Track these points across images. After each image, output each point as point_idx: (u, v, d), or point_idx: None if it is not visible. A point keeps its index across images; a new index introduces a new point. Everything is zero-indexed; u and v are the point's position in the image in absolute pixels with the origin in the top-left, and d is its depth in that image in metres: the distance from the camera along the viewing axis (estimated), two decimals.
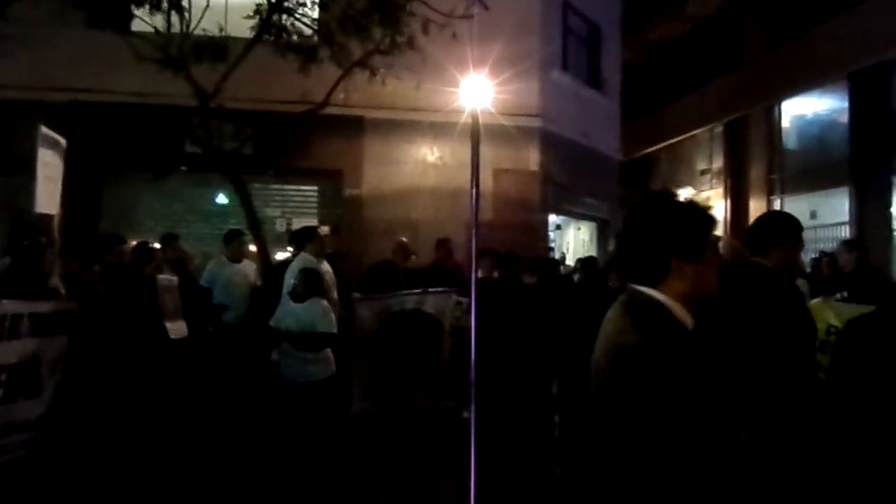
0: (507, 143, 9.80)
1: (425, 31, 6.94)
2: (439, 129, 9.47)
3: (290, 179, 10.36)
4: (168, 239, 6.75)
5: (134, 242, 6.39)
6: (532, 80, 9.83)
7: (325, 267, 5.87)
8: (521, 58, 9.36)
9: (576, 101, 10.97)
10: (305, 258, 5.70)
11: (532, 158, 10.05)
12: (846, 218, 13.39)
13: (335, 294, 5.82)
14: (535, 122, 9.94)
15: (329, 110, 8.21)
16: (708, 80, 17.07)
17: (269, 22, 7.02)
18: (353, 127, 9.80)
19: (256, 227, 7.41)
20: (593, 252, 11.98)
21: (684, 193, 17.97)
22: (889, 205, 12.78)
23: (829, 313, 5.41)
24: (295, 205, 10.45)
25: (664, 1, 16.81)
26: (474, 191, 7.87)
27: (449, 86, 8.50)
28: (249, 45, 7.05)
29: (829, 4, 13.30)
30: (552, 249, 10.07)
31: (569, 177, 10.74)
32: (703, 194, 18.05)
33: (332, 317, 4.88)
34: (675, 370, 1.39)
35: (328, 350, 4.88)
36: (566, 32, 10.83)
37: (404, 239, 7.49)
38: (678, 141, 18.87)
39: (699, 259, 1.54)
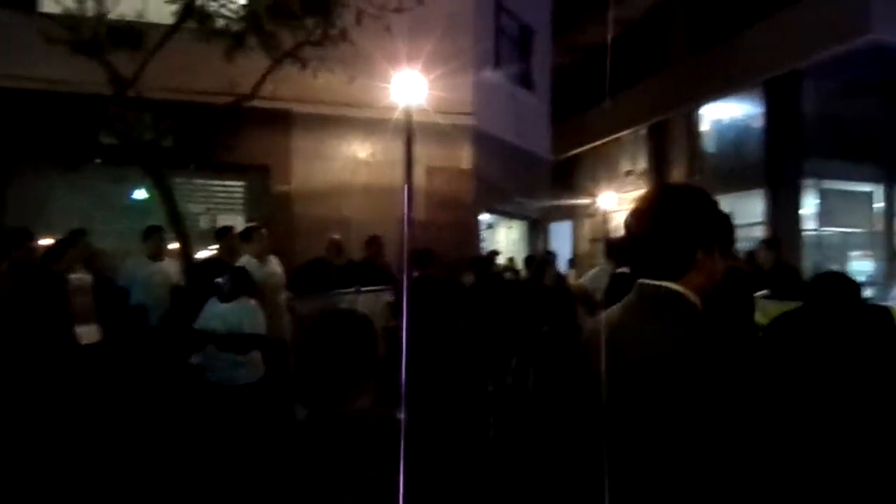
0: (439, 141, 9.74)
1: (359, 22, 6.78)
2: (371, 125, 9.31)
3: (214, 174, 9.95)
4: (76, 235, 6.28)
5: (44, 239, 5.95)
6: (465, 78, 9.81)
7: (273, 268, 5.67)
8: (453, 55, 9.34)
9: (508, 100, 11.03)
10: (246, 260, 5.55)
11: (465, 157, 10.03)
12: (761, 219, 14.05)
13: (283, 296, 5.67)
14: (468, 121, 9.92)
15: (257, 103, 7.90)
16: (633, 84, 17.55)
17: (192, 6, 6.66)
18: (282, 121, 9.50)
19: (178, 223, 7.04)
20: (524, 251, 12.09)
21: (609, 193, 18.47)
22: (799, 206, 13.48)
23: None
24: (220, 201, 10.05)
25: (591, 5, 17.19)
26: (407, 188, 7.76)
27: (382, 81, 8.40)
28: (171, 30, 6.68)
29: (746, 15, 13.90)
30: (496, 253, 10.05)
31: (501, 176, 10.79)
32: (628, 194, 18.60)
33: (261, 317, 4.67)
34: (744, 372, 1.33)
35: (257, 352, 4.66)
36: (498, 32, 10.88)
37: (337, 236, 7.31)
38: (604, 142, 19.35)
39: (715, 250, 1.48)
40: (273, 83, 7.62)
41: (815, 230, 13.57)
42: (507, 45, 11.41)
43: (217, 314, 4.55)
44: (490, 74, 10.45)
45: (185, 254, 6.90)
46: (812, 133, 13.36)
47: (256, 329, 4.56)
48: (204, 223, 9.51)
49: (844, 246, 13.99)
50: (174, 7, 6.77)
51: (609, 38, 17.27)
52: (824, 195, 13.68)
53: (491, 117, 10.31)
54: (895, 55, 11.85)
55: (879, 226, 13.78)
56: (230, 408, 4.39)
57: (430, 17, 8.80)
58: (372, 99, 8.80)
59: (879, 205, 13.85)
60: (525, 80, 11.85)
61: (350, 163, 9.87)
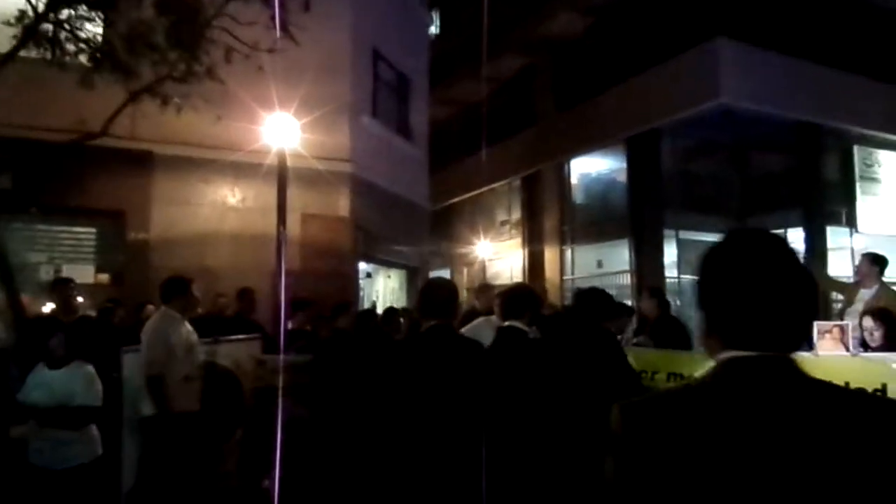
0: (315, 188, 9.38)
1: (228, 60, 6.36)
2: (242, 169, 8.79)
3: (59, 219, 8.93)
4: None
5: None
6: (342, 124, 9.59)
7: (188, 327, 5.04)
8: (331, 100, 9.10)
9: (386, 148, 10.89)
10: (167, 313, 4.87)
11: (342, 204, 9.69)
12: (627, 267, 14.73)
13: (199, 357, 5.01)
14: (346, 167, 9.64)
15: (112, 142, 7.21)
16: (506, 137, 18.12)
17: (36, 31, 5.95)
18: (141, 162, 8.74)
19: (8, 274, 6.12)
20: (403, 300, 11.82)
21: (486, 242, 18.75)
22: (662, 255, 14.27)
23: (630, 356, 5.67)
24: (66, 249, 9.01)
25: (466, 61, 17.70)
26: (280, 236, 7.29)
27: (253, 123, 7.97)
28: (6, 57, 5.92)
29: (609, 77, 14.81)
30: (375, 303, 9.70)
31: (379, 224, 10.55)
32: (504, 243, 18.99)
33: (98, 386, 3.99)
34: None
35: (92, 427, 3.97)
36: (376, 80, 10.78)
37: (195, 289, 6.65)
38: (480, 192, 19.73)
39: None
40: (131, 120, 6.99)
41: (676, 277, 14.39)
42: (386, 93, 11.34)
43: (41, 383, 3.82)
44: (368, 121, 10.29)
45: (15, 310, 5.99)
46: (670, 187, 14.30)
47: (91, 400, 3.87)
48: (45, 273, 8.46)
49: None
50: (13, 31, 6.02)
51: (484, 93, 17.87)
52: (682, 244, 14.59)
53: (369, 164, 10.10)
54: (741, 118, 13.01)
55: None
56: (60, 495, 3.67)
57: (307, 61, 8.53)
58: (242, 141, 8.33)
59: None
60: (403, 129, 11.80)
61: (218, 209, 9.23)
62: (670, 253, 14.55)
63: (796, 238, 14.42)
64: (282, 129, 7.28)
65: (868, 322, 3.79)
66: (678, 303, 13.25)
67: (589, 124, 15.54)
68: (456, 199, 20.46)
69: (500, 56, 17.34)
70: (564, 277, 16.83)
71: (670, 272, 14.43)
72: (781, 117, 13.28)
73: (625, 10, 14.37)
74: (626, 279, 14.56)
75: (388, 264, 11.92)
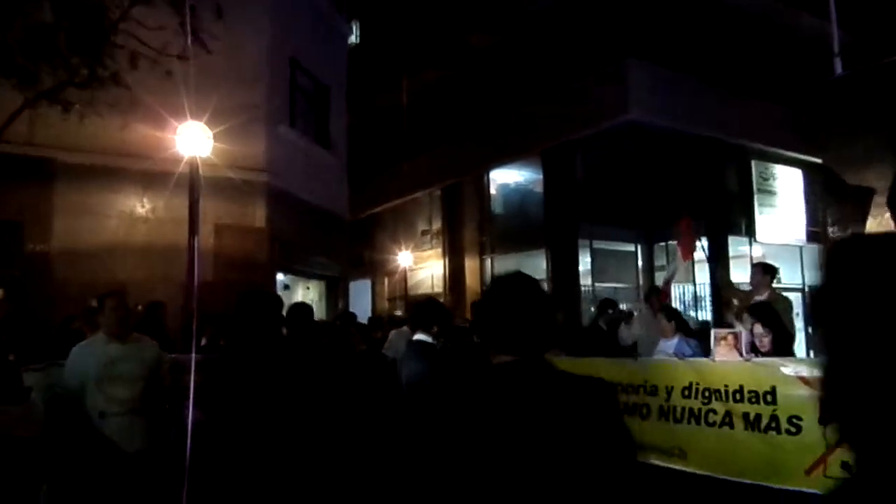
0: (230, 198, 9.15)
1: (134, 65, 6.13)
2: (151, 178, 8.47)
3: None
4: None
5: None
6: (258, 133, 9.40)
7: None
8: (245, 109, 8.92)
9: (304, 158, 10.75)
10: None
11: (258, 214, 9.49)
12: (544, 276, 15.10)
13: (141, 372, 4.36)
14: (262, 177, 9.45)
15: (9, 149, 6.81)
16: (427, 148, 18.26)
17: None
18: (41, 171, 8.26)
19: None
20: (323, 312, 11.66)
21: (407, 252, 18.78)
22: (577, 264, 14.72)
23: None
24: None
25: (386, 70, 17.74)
26: (192, 248, 7.06)
27: (163, 131, 7.71)
28: None
29: (526, 91, 15.19)
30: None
31: (297, 235, 10.38)
32: (425, 253, 19.08)
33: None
34: None
35: None
36: (294, 89, 10.63)
37: (93, 303, 6.33)
38: (402, 202, 19.78)
39: None
40: (29, 127, 6.62)
41: (590, 286, 14.88)
42: (304, 102, 11.21)
43: None
44: (285, 130, 10.13)
45: None
46: (584, 199, 14.80)
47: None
48: None
49: (615, 299, 15.49)
50: None
51: (403, 104, 17.96)
52: (596, 254, 15.12)
53: (286, 174, 9.93)
54: (649, 134, 13.65)
55: (640, 280, 15.48)
56: None
57: (220, 68, 8.33)
58: (152, 149, 8.03)
59: (640, 262, 15.61)
60: (322, 138, 11.68)
61: (126, 219, 8.84)
62: (585, 262, 15.04)
63: (701, 247, 15.24)
64: (193, 138, 7.06)
65: (758, 329, 4.07)
66: (592, 310, 13.72)
67: (507, 137, 15.89)
68: (377, 209, 20.42)
69: (420, 67, 17.50)
70: (485, 287, 17.06)
71: (585, 280, 14.91)
72: (686, 133, 14.02)
73: (540, 30, 14.80)
74: (544, 287, 14.93)
75: (307, 275, 11.74)
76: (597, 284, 14.88)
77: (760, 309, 4.15)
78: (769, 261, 16.43)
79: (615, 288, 15.26)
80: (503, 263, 16.88)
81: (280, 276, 10.91)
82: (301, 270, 11.28)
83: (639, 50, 13.19)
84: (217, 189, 8.75)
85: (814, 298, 0.96)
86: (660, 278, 13.04)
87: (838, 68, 8.27)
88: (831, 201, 9.13)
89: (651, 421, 4.78)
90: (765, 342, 4.06)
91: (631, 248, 15.76)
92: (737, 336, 4.14)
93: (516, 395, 1.54)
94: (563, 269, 14.75)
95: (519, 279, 1.70)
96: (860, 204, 7.82)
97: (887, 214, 7.57)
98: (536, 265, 15.47)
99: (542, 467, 1.44)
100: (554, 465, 1.45)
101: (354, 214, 16.82)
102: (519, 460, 1.46)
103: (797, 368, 3.88)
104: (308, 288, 11.98)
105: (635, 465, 1.63)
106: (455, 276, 17.75)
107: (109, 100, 6.42)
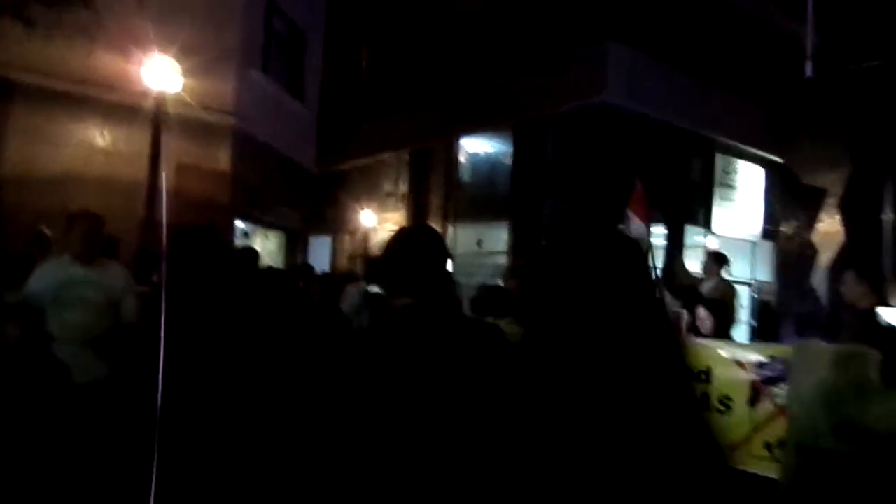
0: (194, 138, 8.96)
1: None
2: (114, 109, 8.24)
3: None
4: None
5: None
6: (228, 74, 9.20)
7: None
8: (216, 48, 8.71)
9: (274, 105, 10.56)
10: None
11: (222, 157, 9.32)
12: (504, 248, 15.26)
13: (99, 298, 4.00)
14: (229, 120, 9.27)
15: None
16: (400, 109, 18.09)
17: None
18: None
19: None
20: (281, 263, 11.59)
21: (370, 212, 18.72)
22: (539, 239, 14.90)
23: None
24: None
25: (365, 24, 17.41)
26: (153, 184, 6.93)
27: (130, 62, 7.49)
28: None
29: (503, 62, 15.11)
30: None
31: (261, 182, 10.25)
32: (389, 215, 19.03)
33: None
34: None
35: None
36: (269, 33, 10.38)
37: (45, 229, 6.18)
38: (370, 162, 19.59)
39: None
40: None
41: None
42: (278, 48, 10.96)
43: None
44: (257, 75, 9.92)
45: None
46: (552, 175, 14.89)
47: None
48: None
49: None
50: None
51: (380, 61, 17.66)
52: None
53: (254, 119, 9.76)
54: (621, 117, 13.76)
55: None
56: None
57: (194, 3, 8.11)
58: (117, 80, 7.81)
59: None
60: (294, 87, 11.47)
61: (85, 150, 8.59)
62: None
63: (658, 234, 15.57)
64: (161, 72, 6.89)
65: (701, 312, 4.23)
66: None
67: (480, 106, 15.83)
68: (343, 167, 20.20)
69: (402, 25, 17.22)
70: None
71: None
72: (657, 120, 14.19)
73: (526, 1, 14.69)
74: (503, 259, 15.09)
75: (268, 224, 11.62)
76: None
77: (695, 294, 4.31)
78: (723, 253, 16.89)
79: None
80: (465, 232, 16.96)
81: (240, 223, 10.79)
82: (262, 219, 11.16)
83: (620, 33, 13.23)
84: (182, 127, 8.56)
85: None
86: None
87: (808, 70, 8.47)
88: (786, 200, 9.43)
89: None
90: (707, 325, 4.23)
91: None
92: (679, 317, 4.30)
93: (412, 332, 1.74)
94: (526, 242, 14.91)
95: (420, 231, 1.93)
96: (813, 205, 8.11)
97: (837, 216, 7.86)
98: (497, 237, 15.60)
99: (427, 398, 1.63)
100: (438, 396, 1.65)
101: (321, 169, 16.64)
102: (408, 392, 1.66)
103: (735, 352, 4.06)
104: (267, 237, 11.88)
105: (510, 404, 1.76)
106: None
107: (77, 23, 6.19)
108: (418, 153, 18.18)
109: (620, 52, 13.29)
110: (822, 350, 2.13)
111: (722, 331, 4.32)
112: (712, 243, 16.47)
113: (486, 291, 6.95)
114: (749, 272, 16.59)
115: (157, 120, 6.98)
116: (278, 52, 10.92)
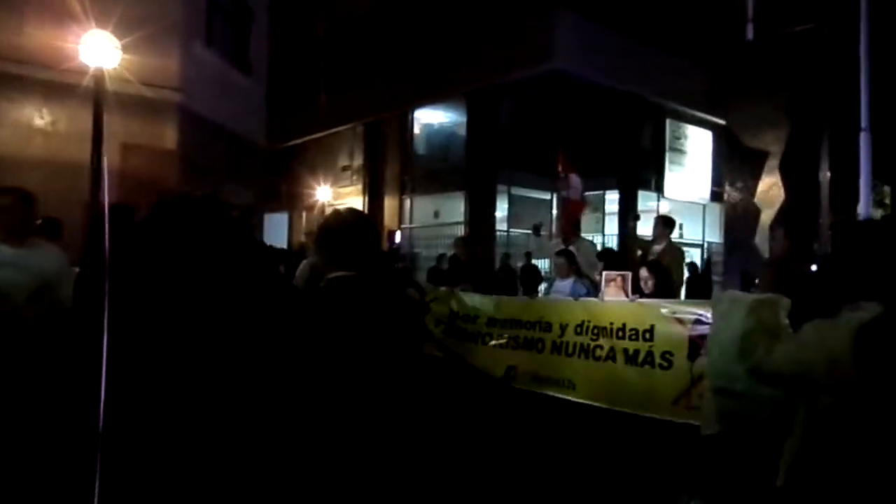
0: (139, 116, 8.71)
1: None
2: (52, 88, 7.96)
3: None
4: None
5: None
6: (172, 49, 8.94)
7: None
8: (158, 22, 8.45)
9: (220, 80, 10.32)
10: None
11: (168, 135, 9.11)
12: (462, 218, 15.36)
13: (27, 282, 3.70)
14: (174, 96, 9.03)
15: None
16: (353, 82, 17.86)
17: None
18: None
19: None
20: None
21: (326, 187, 18.56)
22: (494, 209, 15.03)
23: (452, 301, 6.07)
24: None
25: None
26: (97, 165, 6.77)
27: (66, 37, 7.23)
28: None
29: (454, 31, 15.01)
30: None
31: (209, 159, 10.06)
32: (344, 189, 18.91)
33: None
34: None
35: None
36: (212, 6, 10.10)
37: None
38: (324, 135, 19.36)
39: None
40: None
41: (506, 231, 15.26)
42: (223, 22, 10.68)
43: None
44: (202, 50, 9.66)
45: None
46: (505, 144, 14.98)
47: None
48: None
49: (527, 245, 15.97)
50: None
51: (331, 34, 17.36)
52: (513, 200, 15.45)
53: (201, 96, 9.53)
54: (573, 83, 13.86)
55: (554, 229, 16.00)
56: None
57: None
58: (53, 58, 7.53)
59: (555, 211, 16.08)
60: (241, 61, 11.21)
61: (22, 130, 8.30)
62: (502, 207, 15.36)
63: (612, 200, 15.87)
64: (99, 47, 6.68)
65: (643, 273, 4.39)
66: (508, 253, 14.14)
67: (433, 76, 15.75)
68: (297, 141, 19.92)
69: None
70: (403, 226, 17.18)
71: (501, 226, 15.27)
72: (608, 88, 14.35)
73: None
74: (461, 230, 15.19)
75: None
76: (512, 230, 15.26)
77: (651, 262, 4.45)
78: (676, 216, 17.30)
79: (528, 234, 15.71)
80: (422, 204, 16.99)
81: None
82: None
83: (566, 1, 13.27)
84: (126, 105, 8.32)
85: None
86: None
87: (750, 34, 8.64)
88: (731, 162, 9.68)
89: (545, 354, 5.10)
90: (649, 285, 4.39)
91: (547, 196, 16.18)
92: (624, 278, 4.45)
93: (346, 300, 1.96)
94: (481, 212, 15.02)
95: (352, 213, 2.16)
96: (755, 166, 8.36)
97: (778, 176, 8.13)
98: (455, 207, 15.67)
99: (356, 355, 1.87)
100: (366, 352, 1.89)
101: (273, 144, 16.38)
102: (339, 352, 1.88)
103: (675, 309, 4.22)
104: None
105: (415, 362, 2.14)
106: (374, 213, 17.72)
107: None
108: (373, 125, 18.05)
109: (567, 20, 13.36)
110: (737, 298, 2.26)
111: (664, 290, 4.48)
112: (665, 207, 16.88)
113: (441, 261, 7.04)
114: (700, 234, 17.08)
115: (97, 98, 6.79)
116: (223, 26, 10.65)
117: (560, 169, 7.64)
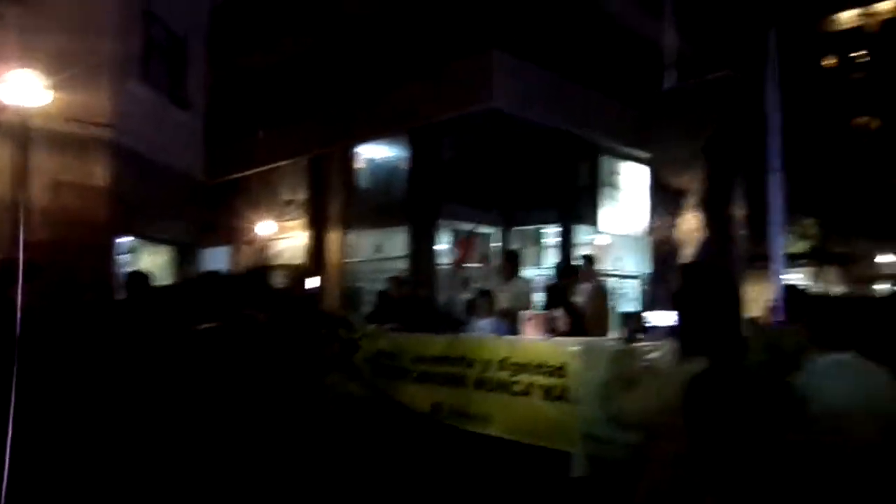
0: (70, 153, 8.63)
1: None
2: None
3: None
4: None
5: None
6: (104, 86, 8.89)
7: None
8: (90, 60, 8.43)
9: (155, 115, 10.26)
10: None
11: (99, 172, 8.99)
12: (404, 253, 15.47)
13: None
14: (106, 133, 8.96)
15: None
16: (297, 116, 17.91)
17: None
18: None
19: None
20: (170, 277, 11.27)
21: (269, 221, 18.44)
22: (435, 243, 15.21)
23: (382, 340, 6.16)
24: None
25: (255, 31, 17.16)
26: (21, 204, 6.67)
27: None
28: None
29: (397, 70, 15.31)
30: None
31: (145, 196, 9.95)
32: (288, 223, 18.82)
33: None
34: None
35: None
36: (147, 42, 10.09)
37: None
38: (266, 169, 19.26)
39: None
40: None
41: (449, 265, 15.44)
42: (159, 58, 10.67)
43: None
44: (135, 86, 9.62)
45: None
46: (448, 180, 15.25)
47: None
48: None
49: (471, 279, 16.16)
50: None
51: (273, 68, 17.39)
52: (457, 235, 15.69)
53: (135, 131, 9.46)
54: (511, 121, 14.27)
55: (497, 262, 16.28)
56: None
57: (62, 14, 7.84)
58: None
59: (497, 244, 16.38)
60: (178, 96, 11.18)
61: None
62: (444, 242, 15.57)
63: (551, 234, 16.27)
64: (24, 86, 6.63)
65: (558, 312, 4.57)
66: (450, 289, 14.31)
67: (377, 112, 15.94)
68: (239, 174, 19.75)
69: (292, 31, 17.07)
70: (345, 260, 17.18)
71: (443, 260, 15.45)
72: (545, 126, 14.81)
73: (413, 8, 14.94)
74: (403, 264, 15.29)
75: (155, 240, 11.28)
76: (455, 264, 15.45)
77: (559, 295, 4.66)
78: (613, 250, 17.83)
79: (472, 267, 15.94)
80: (364, 239, 17.04)
81: (124, 239, 10.44)
82: (148, 234, 10.83)
83: (504, 42, 13.73)
84: (55, 143, 8.26)
85: None
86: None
87: (670, 80, 9.15)
88: (654, 199, 10.11)
89: (468, 390, 5.22)
90: (561, 324, 4.58)
91: (490, 230, 16.50)
92: (541, 318, 4.63)
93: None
94: (423, 247, 15.18)
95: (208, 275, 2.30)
96: (676, 203, 8.77)
97: (695, 215, 8.55)
98: (397, 241, 15.79)
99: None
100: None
101: (213, 178, 16.23)
102: None
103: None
104: (155, 253, 11.54)
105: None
106: (317, 247, 17.68)
107: None
108: (317, 160, 18.08)
109: (505, 61, 13.80)
110: (600, 348, 2.43)
111: (578, 329, 4.68)
112: (602, 241, 17.39)
113: (377, 299, 7.13)
114: (637, 266, 17.60)
115: (22, 135, 6.71)
116: (159, 61, 10.63)
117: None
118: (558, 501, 3.20)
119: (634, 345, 2.06)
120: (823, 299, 1.82)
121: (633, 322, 3.38)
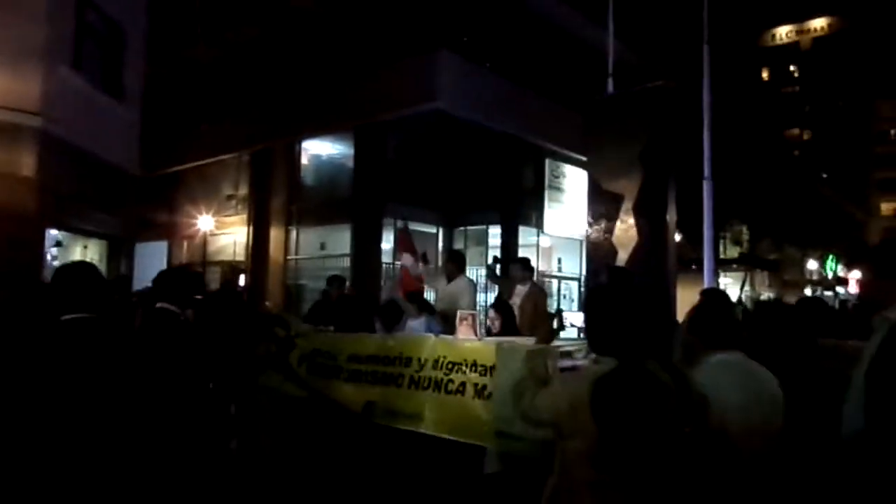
0: None
1: None
2: None
3: None
4: None
5: None
6: (32, 72, 8.54)
7: None
8: (18, 44, 8.11)
9: (88, 105, 9.90)
10: None
11: (26, 162, 8.62)
12: (348, 250, 15.38)
13: None
14: (34, 122, 8.59)
15: None
16: (240, 109, 17.58)
17: None
18: None
19: None
20: (104, 272, 10.89)
21: (209, 216, 18.03)
22: (380, 241, 15.16)
23: (318, 339, 6.11)
24: None
25: (198, 21, 16.74)
26: None
27: None
28: None
29: (342, 66, 15.21)
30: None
31: (75, 188, 9.60)
32: (228, 219, 18.45)
33: None
34: None
35: None
36: (81, 28, 9.72)
37: None
38: (207, 163, 18.85)
39: None
40: None
41: (391, 263, 15.41)
42: (94, 45, 10.29)
43: None
44: (67, 73, 9.26)
45: None
46: (392, 178, 15.22)
47: None
48: None
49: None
50: None
51: (215, 59, 17.01)
52: (400, 233, 15.65)
53: (66, 121, 9.10)
54: (455, 122, 14.35)
55: (440, 261, 16.34)
56: None
57: None
58: None
59: (441, 244, 16.45)
60: (113, 87, 10.81)
61: None
62: (388, 240, 15.52)
63: (495, 234, 16.43)
64: None
65: (492, 313, 4.65)
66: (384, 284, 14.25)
67: (322, 108, 15.80)
68: (178, 168, 19.27)
69: (237, 21, 16.74)
70: (289, 257, 16.96)
71: (387, 258, 15.40)
72: (489, 128, 14.96)
73: (360, 4, 14.87)
74: (347, 262, 15.20)
75: (86, 233, 10.89)
76: (398, 262, 15.39)
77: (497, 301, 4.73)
78: (556, 251, 18.11)
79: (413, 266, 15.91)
80: (308, 235, 16.87)
81: (53, 232, 10.05)
82: (78, 227, 10.45)
83: (450, 43, 13.81)
84: None
85: None
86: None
87: (610, 87, 9.38)
88: (591, 204, 10.33)
89: (403, 389, 5.23)
90: (496, 325, 4.65)
91: (433, 229, 16.53)
92: (474, 318, 4.69)
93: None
94: (367, 245, 15.11)
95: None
96: (612, 208, 8.98)
97: (631, 220, 8.78)
98: (341, 240, 15.67)
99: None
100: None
101: (151, 171, 15.82)
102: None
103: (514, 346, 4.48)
104: (86, 247, 11.14)
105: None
106: (259, 244, 17.40)
107: None
108: (259, 154, 17.78)
109: (451, 62, 13.88)
110: (515, 348, 2.50)
111: (510, 329, 4.76)
112: (545, 243, 17.68)
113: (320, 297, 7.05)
114: (577, 268, 17.96)
115: None
116: (93, 49, 10.27)
117: (399, 248, 7.99)
118: (471, 497, 3.27)
119: (551, 344, 2.13)
120: (716, 305, 1.94)
121: (552, 321, 3.48)
